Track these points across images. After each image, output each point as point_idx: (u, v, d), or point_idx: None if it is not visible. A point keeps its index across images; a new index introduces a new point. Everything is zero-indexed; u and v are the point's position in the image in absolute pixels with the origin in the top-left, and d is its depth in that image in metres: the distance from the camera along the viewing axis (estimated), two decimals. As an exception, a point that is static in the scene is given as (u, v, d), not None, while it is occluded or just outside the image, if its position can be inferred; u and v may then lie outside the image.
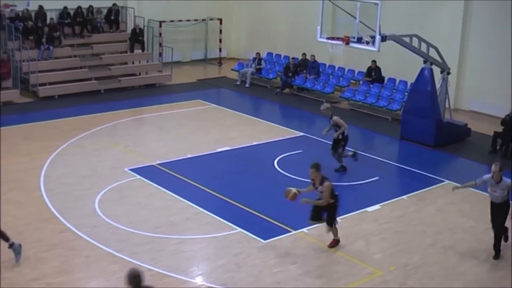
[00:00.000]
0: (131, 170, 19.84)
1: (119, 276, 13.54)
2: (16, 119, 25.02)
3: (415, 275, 14.21)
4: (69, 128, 23.99)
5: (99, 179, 19.13)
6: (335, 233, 15.28)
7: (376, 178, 20.09)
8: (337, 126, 20.25)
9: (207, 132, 24.19)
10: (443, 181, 19.82)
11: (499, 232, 15.10)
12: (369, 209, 17.72)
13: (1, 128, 23.68)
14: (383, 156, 22.19)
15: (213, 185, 18.83)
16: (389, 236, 16.15)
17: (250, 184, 19.39)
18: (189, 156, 21.39)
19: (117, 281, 13.48)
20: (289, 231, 16.03)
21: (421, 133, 23.44)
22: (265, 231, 15.99)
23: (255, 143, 22.87)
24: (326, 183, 14.56)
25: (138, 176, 19.38)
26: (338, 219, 15.35)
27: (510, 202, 15.06)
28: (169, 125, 25.06)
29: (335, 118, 20.29)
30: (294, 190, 15.04)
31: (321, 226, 15.79)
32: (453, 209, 17.82)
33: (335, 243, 15.31)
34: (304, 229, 16.08)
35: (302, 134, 24.26)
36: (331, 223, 15.08)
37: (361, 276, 14.16)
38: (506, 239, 15.53)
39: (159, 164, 20.48)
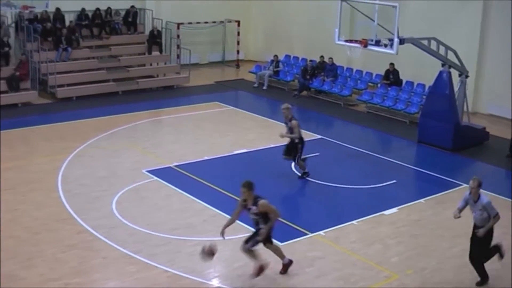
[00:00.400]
0: (148, 171, 19.89)
1: (136, 278, 13.66)
2: (34, 120, 25.21)
3: (432, 279, 14.16)
4: (87, 129, 24.09)
5: (116, 180, 19.19)
6: (256, 255, 13.88)
7: (394, 181, 20.02)
8: (291, 130, 19.48)
9: (225, 134, 24.21)
10: (460, 185, 19.71)
11: (488, 257, 13.98)
12: (386, 212, 17.68)
13: (20, 129, 23.99)
14: (401, 159, 22.11)
15: (230, 187, 18.80)
16: (406, 240, 16.11)
17: (267, 187, 19.24)
18: (206, 158, 21.42)
19: (134, 282, 13.54)
20: (306, 234, 16.03)
21: (439, 136, 23.34)
22: (282, 234, 15.89)
23: (272, 145, 22.82)
24: (261, 202, 13.32)
25: (156, 178, 19.42)
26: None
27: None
28: (186, 127, 25.10)
29: (294, 122, 19.40)
30: (210, 248, 13.36)
31: (339, 229, 15.82)
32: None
33: (259, 270, 13.86)
34: (321, 232, 16.08)
35: (319, 136, 24.22)
36: (246, 242, 13.81)
37: (378, 279, 14.13)
38: (501, 256, 14.14)
39: (176, 165, 20.52)
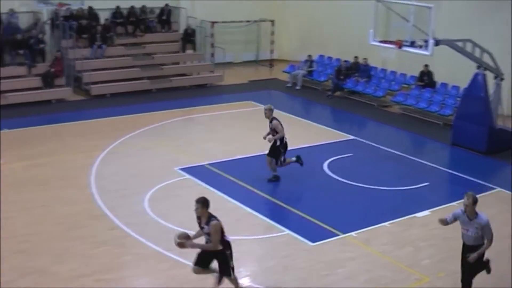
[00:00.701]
0: (181, 169, 19.94)
1: (168, 275, 13.71)
2: (68, 117, 25.41)
3: (465, 282, 14.04)
4: (120, 126, 24.23)
5: (149, 177, 19.26)
6: (236, 284, 12.90)
7: (427, 183, 19.88)
8: (275, 132, 19.21)
9: (257, 134, 24.08)
10: (494, 189, 19.54)
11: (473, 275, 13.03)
12: (419, 214, 17.56)
13: (54, 125, 24.25)
14: (434, 161, 21.94)
15: (262, 187, 18.84)
16: (438, 242, 15.98)
17: (299, 187, 19.34)
18: (239, 157, 21.43)
19: (166, 280, 13.58)
20: (338, 235, 15.96)
21: (473, 139, 23.14)
22: (314, 234, 15.94)
23: (305, 145, 22.79)
24: (213, 222, 11.96)
25: (188, 176, 19.47)
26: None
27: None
28: (219, 126, 25.15)
29: (275, 122, 19.13)
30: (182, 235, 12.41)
31: (370, 231, 15.79)
32: (503, 217, 17.51)
33: None
34: (353, 233, 16.01)
35: (352, 137, 24.13)
36: (228, 273, 12.57)
37: (409, 282, 14.05)
38: (489, 271, 13.31)
39: (208, 164, 20.55)
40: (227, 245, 12.31)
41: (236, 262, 14.47)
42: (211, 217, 12.04)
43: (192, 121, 26.28)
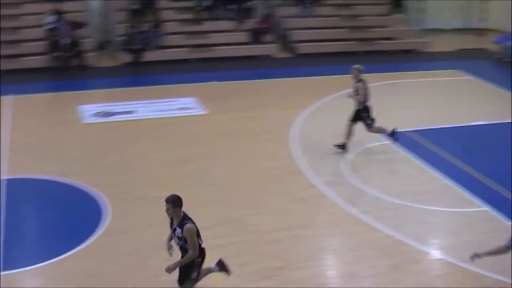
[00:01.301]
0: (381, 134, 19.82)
1: (362, 238, 13.74)
2: (274, 73, 25.97)
3: None
4: (325, 86, 24.41)
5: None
6: None
7: None
8: (356, 93, 18.15)
9: (463, 104, 23.58)
10: None
11: None
12: None
13: (260, 80, 24.88)
14: None
15: (464, 158, 18.34)
16: None
17: (504, 162, 18.63)
18: (442, 126, 21.00)
19: (359, 243, 13.60)
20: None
21: None
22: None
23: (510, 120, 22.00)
24: (187, 227, 10.16)
25: (388, 142, 19.33)
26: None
27: None
28: (423, 93, 24.74)
29: (359, 84, 17.99)
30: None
31: None
32: None
33: None
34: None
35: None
36: (182, 282, 10.70)
37: None
38: None
39: (410, 131, 20.25)
40: (201, 252, 10.51)
41: (431, 232, 14.38)
42: (184, 218, 10.31)
43: (395, 86, 25.99)
